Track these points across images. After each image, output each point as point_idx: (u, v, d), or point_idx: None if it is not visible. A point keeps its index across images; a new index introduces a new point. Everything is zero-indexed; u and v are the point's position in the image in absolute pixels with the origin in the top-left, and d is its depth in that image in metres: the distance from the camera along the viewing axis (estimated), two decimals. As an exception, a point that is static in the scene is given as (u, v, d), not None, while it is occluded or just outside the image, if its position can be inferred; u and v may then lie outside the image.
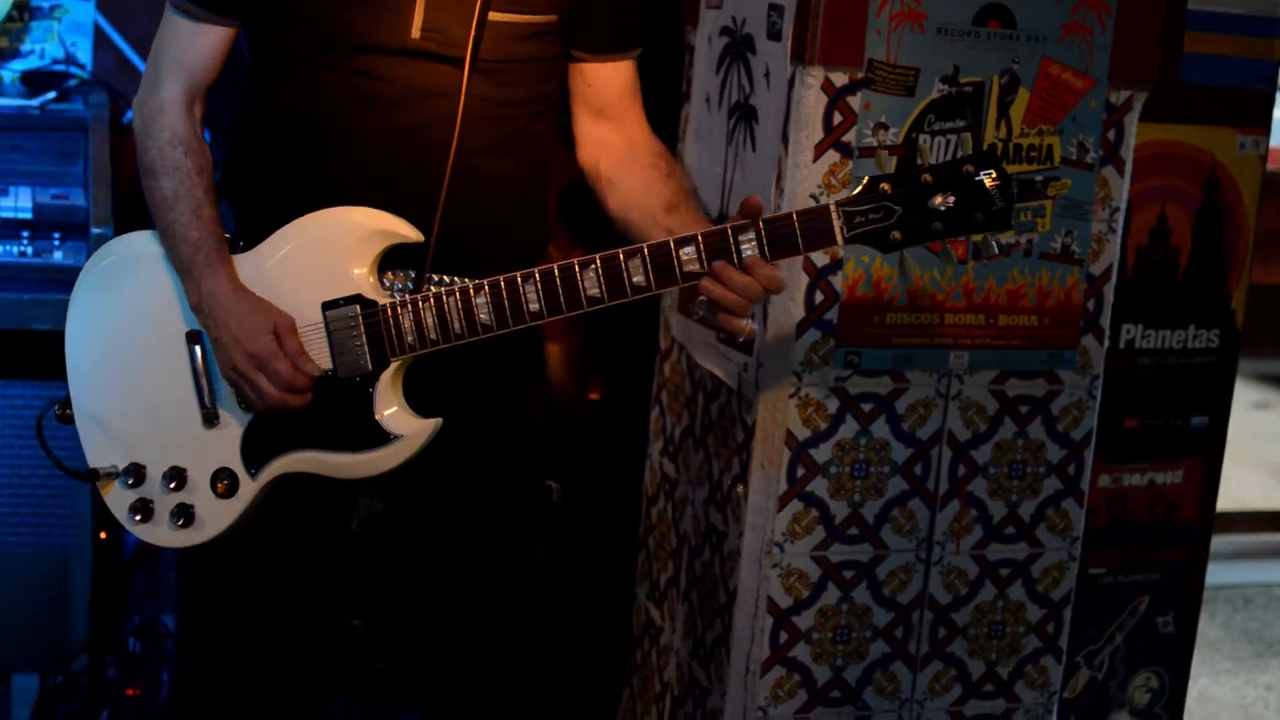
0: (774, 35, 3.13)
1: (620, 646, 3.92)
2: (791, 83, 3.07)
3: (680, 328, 3.59)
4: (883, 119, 3.07)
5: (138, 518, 2.67)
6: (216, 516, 2.65)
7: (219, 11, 2.63)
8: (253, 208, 2.72)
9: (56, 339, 2.73)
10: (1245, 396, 7.53)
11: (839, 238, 2.41)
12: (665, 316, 3.68)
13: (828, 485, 3.20)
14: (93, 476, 2.68)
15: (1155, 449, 3.53)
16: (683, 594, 3.57)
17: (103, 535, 3.84)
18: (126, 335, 2.68)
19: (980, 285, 3.18)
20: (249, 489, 2.63)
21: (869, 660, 3.31)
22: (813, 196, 3.06)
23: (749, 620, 3.25)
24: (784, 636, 3.24)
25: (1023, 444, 3.28)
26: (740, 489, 3.26)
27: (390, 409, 2.57)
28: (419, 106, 2.59)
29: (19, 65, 3.99)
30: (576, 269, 2.47)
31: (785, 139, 3.09)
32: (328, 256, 2.57)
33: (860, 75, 3.04)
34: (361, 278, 2.56)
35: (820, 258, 3.08)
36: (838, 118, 3.05)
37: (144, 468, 2.66)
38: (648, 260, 2.45)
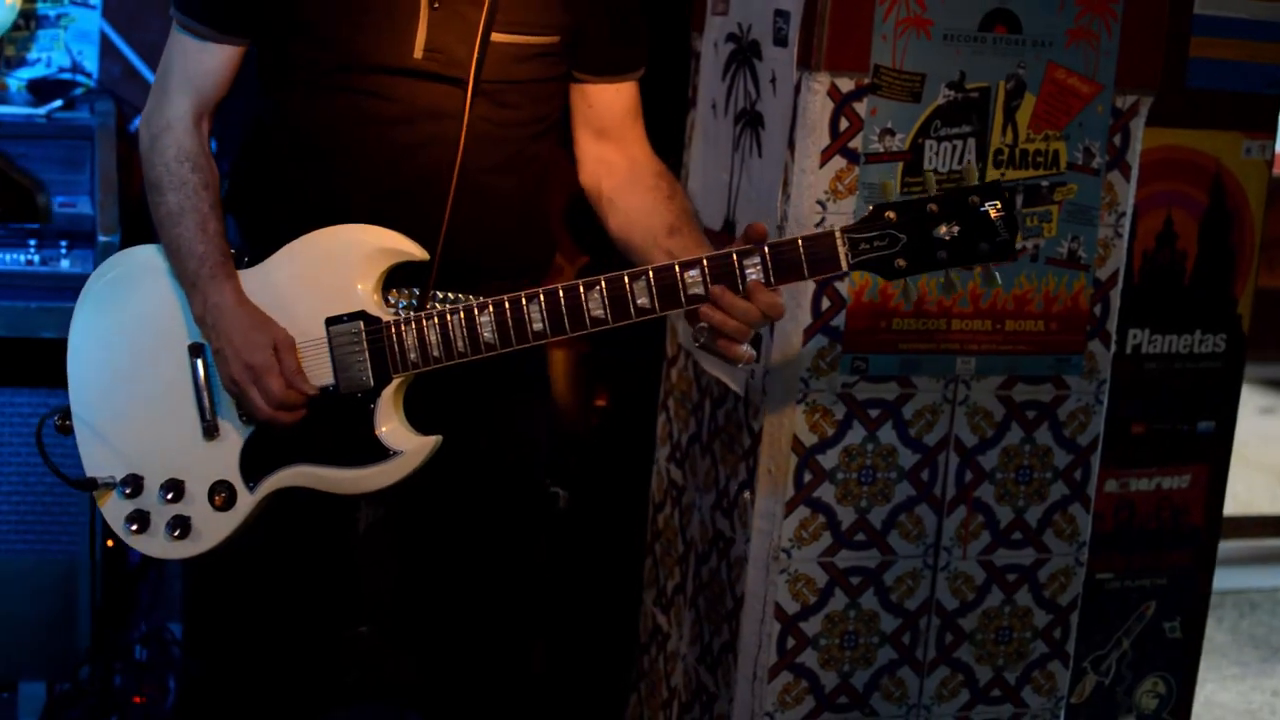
0: (780, 41, 3.13)
1: (627, 652, 3.92)
2: (798, 88, 3.07)
3: (687, 335, 3.59)
4: (889, 125, 3.07)
5: (134, 528, 2.66)
6: (213, 529, 2.64)
7: (225, 30, 2.63)
8: (258, 223, 2.72)
9: (63, 347, 2.72)
10: (1252, 401, 7.54)
11: (844, 264, 2.42)
12: (672, 324, 3.68)
13: (835, 491, 3.20)
14: (90, 485, 2.67)
15: (1162, 454, 3.53)
16: (690, 600, 3.57)
17: (109, 543, 3.84)
18: (129, 347, 2.68)
19: (987, 291, 3.18)
20: (247, 502, 2.63)
21: (876, 666, 3.31)
22: (819, 203, 3.06)
23: (756, 626, 3.25)
24: (791, 642, 3.24)
25: (1030, 449, 3.29)
26: (747, 495, 3.26)
27: (390, 425, 2.57)
28: (422, 126, 2.59)
29: (25, 73, 4.00)
30: (581, 290, 2.46)
31: (791, 145, 3.09)
32: (332, 273, 2.57)
33: (866, 81, 3.05)
34: (366, 294, 2.55)
35: (827, 263, 3.08)
36: (844, 123, 3.05)
37: (142, 478, 2.66)
38: (652, 283, 2.45)
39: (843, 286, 3.12)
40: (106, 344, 2.69)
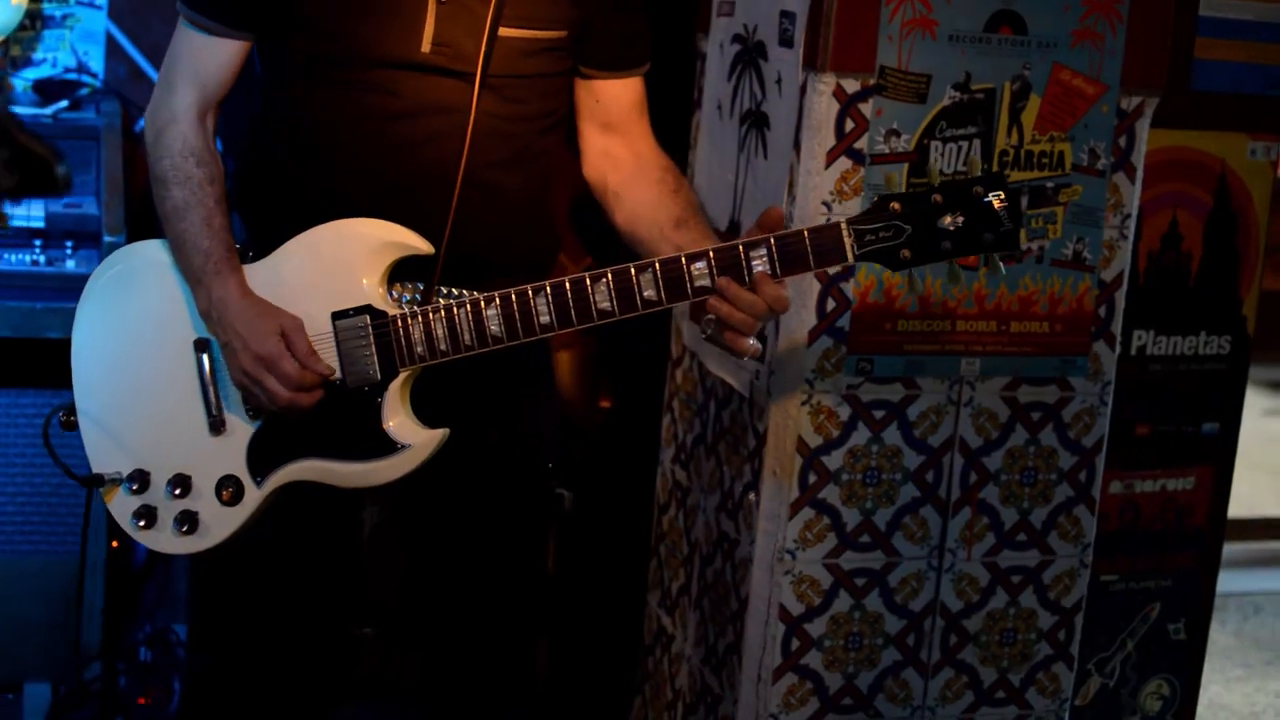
0: (786, 42, 3.13)
1: (632, 654, 3.92)
2: (803, 89, 3.08)
3: (692, 336, 3.60)
4: (894, 126, 3.08)
5: (141, 524, 2.67)
6: (220, 524, 2.64)
7: (232, 25, 2.63)
8: (263, 218, 2.72)
9: (69, 348, 2.72)
10: (1256, 404, 7.53)
11: (849, 255, 2.42)
12: (677, 324, 3.68)
13: (839, 492, 3.20)
14: (97, 482, 2.68)
15: (1167, 455, 3.53)
16: (694, 601, 3.57)
17: (114, 544, 3.84)
18: (134, 342, 2.68)
19: (992, 292, 3.18)
20: (254, 497, 2.63)
21: (881, 667, 3.31)
22: (824, 203, 3.06)
23: (761, 627, 3.25)
24: (796, 644, 3.24)
25: (1034, 450, 3.29)
26: (752, 496, 3.26)
27: (398, 419, 2.57)
28: (428, 121, 2.59)
29: (31, 74, 4.00)
30: (588, 282, 2.47)
31: (797, 146, 3.09)
32: (338, 267, 2.57)
33: (872, 82, 3.05)
34: (371, 288, 2.56)
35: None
36: (849, 124, 3.05)
37: (148, 474, 2.66)
38: (659, 275, 2.45)
39: (848, 288, 3.12)
40: (111, 339, 2.69)
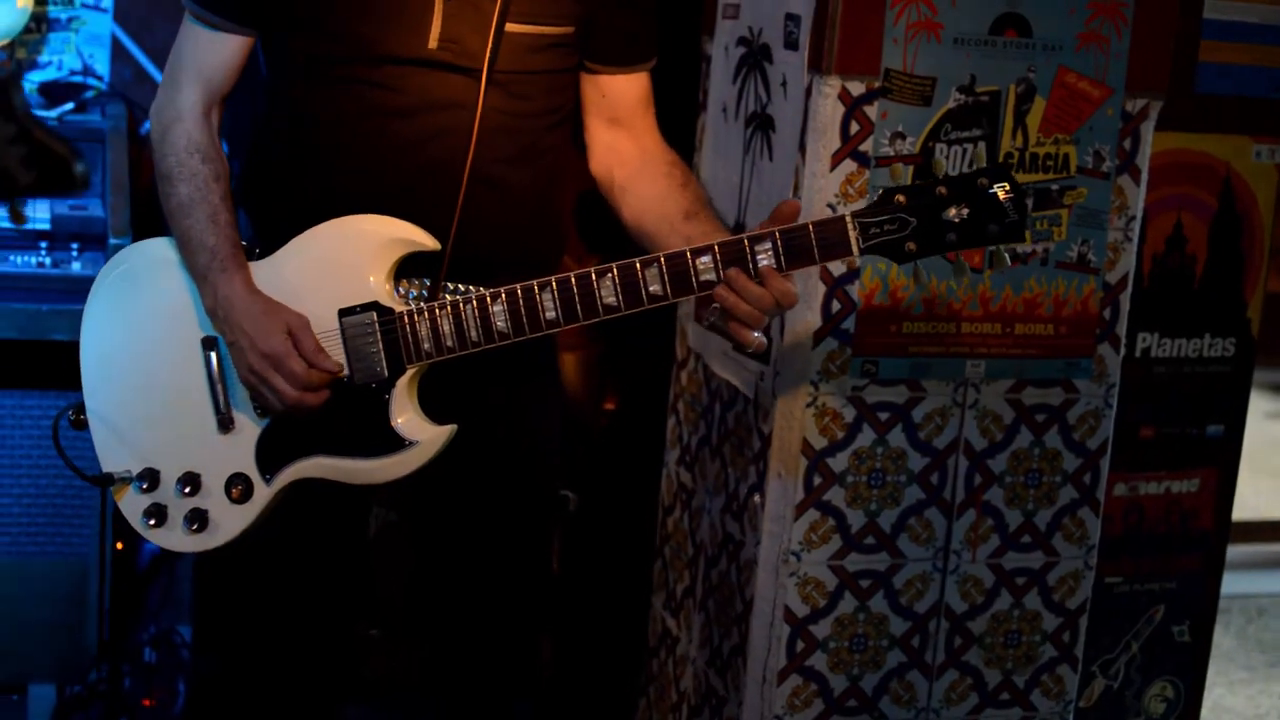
0: (791, 45, 3.14)
1: (636, 655, 3.92)
2: (809, 92, 3.08)
3: (697, 337, 3.60)
4: (899, 128, 3.08)
5: (151, 522, 2.67)
6: (230, 521, 2.65)
7: (238, 21, 2.64)
8: (269, 216, 2.73)
9: (75, 349, 2.73)
10: (1260, 407, 7.52)
11: (854, 248, 2.42)
12: (682, 326, 3.68)
13: (844, 494, 3.20)
14: (107, 481, 2.68)
15: (1171, 458, 3.54)
16: (699, 603, 3.57)
17: (119, 546, 3.84)
18: (142, 340, 2.69)
19: (997, 294, 3.18)
20: (263, 494, 2.63)
21: (885, 669, 3.31)
22: (830, 205, 3.06)
23: (766, 629, 3.25)
24: (801, 645, 3.24)
25: (1039, 453, 3.29)
26: (757, 498, 3.26)
27: (405, 415, 2.57)
28: (435, 116, 2.60)
29: (37, 76, 4.00)
30: (593, 278, 2.47)
31: (802, 148, 3.10)
32: (345, 264, 2.58)
33: (877, 84, 3.05)
34: (378, 285, 2.56)
35: (837, 267, 3.09)
36: (855, 127, 3.06)
37: (158, 473, 2.67)
38: (664, 270, 2.45)
39: (853, 289, 3.12)
40: (119, 338, 2.70)
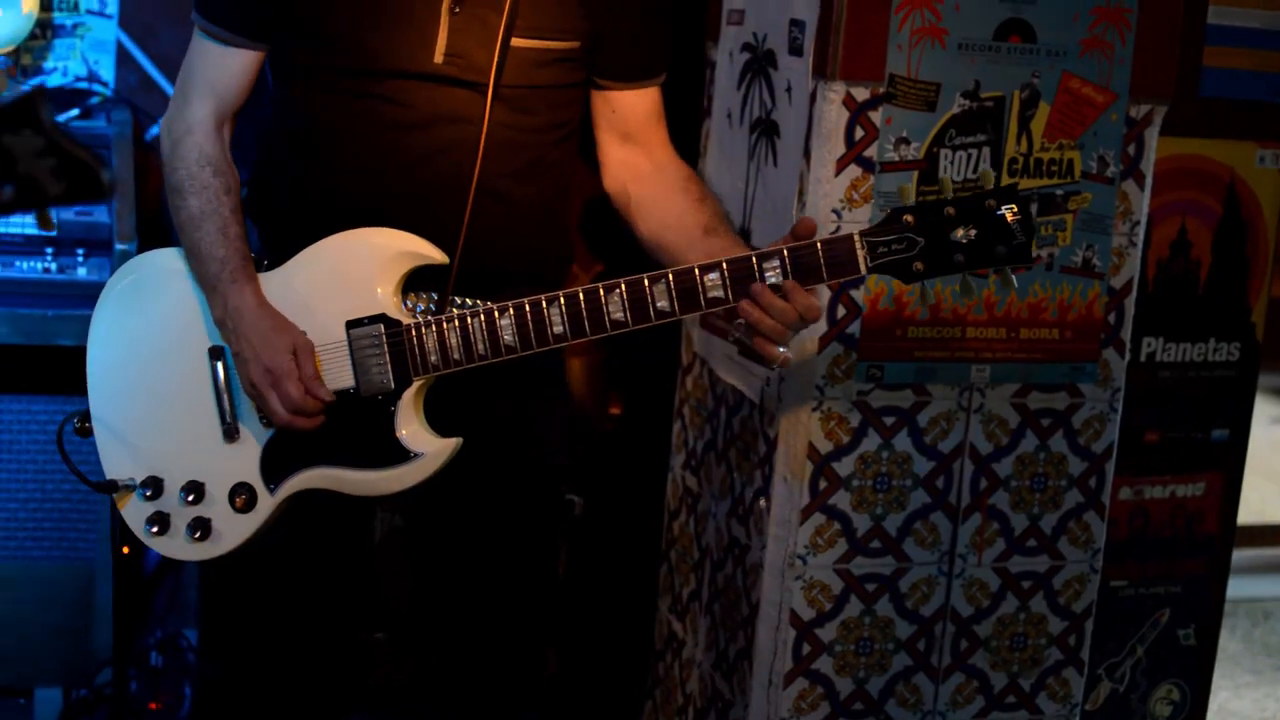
0: (796, 51, 3.14)
1: (642, 659, 3.93)
2: (813, 98, 3.08)
3: (702, 342, 3.60)
4: (904, 134, 3.08)
5: (154, 530, 2.67)
6: (234, 530, 2.66)
7: (247, 35, 2.64)
8: (277, 228, 2.73)
9: (80, 355, 2.74)
10: (1265, 411, 7.52)
11: (862, 267, 2.43)
12: (687, 331, 3.69)
13: (850, 498, 3.21)
14: (111, 488, 2.69)
15: (1176, 462, 3.54)
16: (705, 607, 3.58)
17: (125, 550, 3.85)
18: (149, 349, 2.69)
19: (1002, 299, 3.19)
20: (267, 504, 2.64)
21: (891, 673, 3.31)
22: (835, 211, 3.07)
23: (771, 633, 3.26)
24: (806, 649, 3.25)
25: (1044, 457, 3.29)
26: (763, 502, 3.26)
27: (411, 427, 2.58)
28: (441, 131, 2.60)
29: (42, 82, 4.01)
30: (601, 293, 2.47)
31: (807, 154, 3.10)
32: (352, 276, 2.58)
33: (882, 90, 3.06)
34: (386, 298, 2.56)
35: (842, 270, 3.09)
36: (859, 133, 3.06)
37: (162, 480, 2.67)
38: (672, 286, 2.46)
39: (858, 294, 3.13)
40: (126, 346, 2.70)
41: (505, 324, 2.50)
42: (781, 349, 2.48)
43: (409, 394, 2.56)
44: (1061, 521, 3.33)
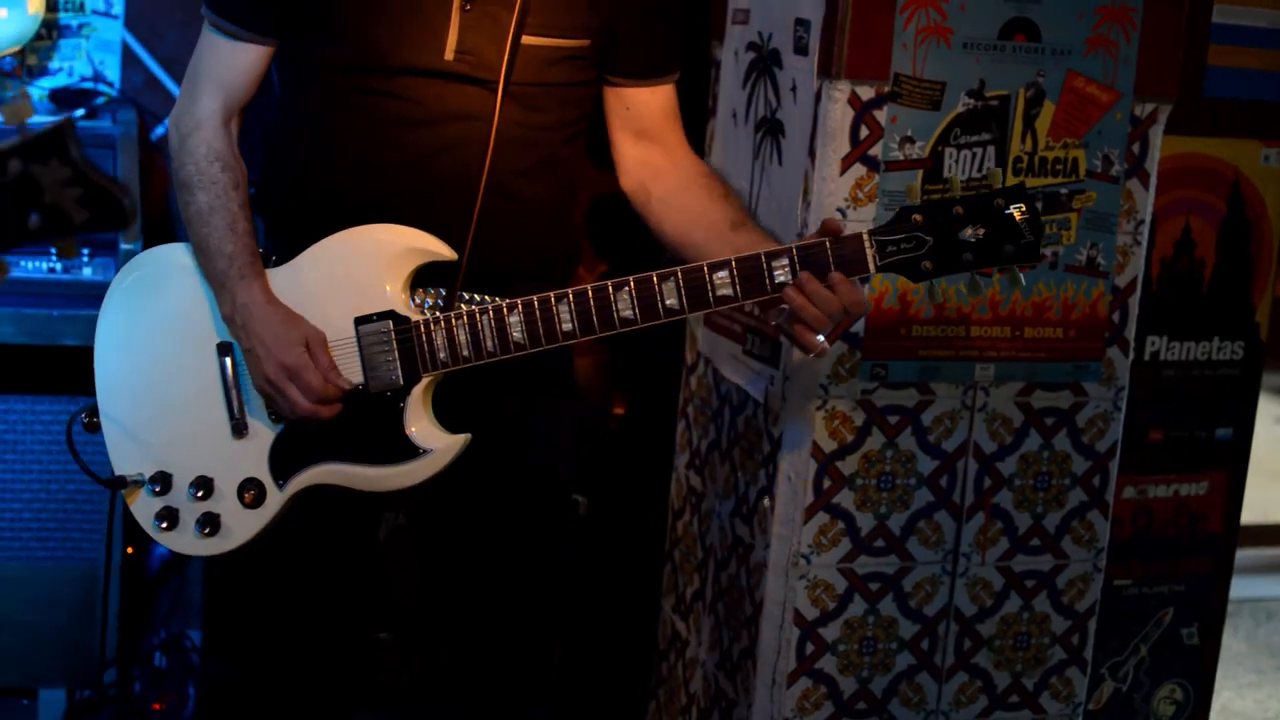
0: (801, 50, 3.15)
1: (646, 659, 3.93)
2: (818, 97, 3.09)
3: (706, 341, 3.61)
4: (909, 133, 3.09)
5: (163, 525, 2.68)
6: (243, 526, 2.66)
7: (257, 31, 2.64)
8: (285, 224, 2.73)
9: (85, 355, 2.74)
10: (1269, 410, 7.52)
11: (871, 266, 2.44)
12: (691, 331, 3.69)
13: (854, 497, 3.21)
14: (120, 484, 2.69)
15: (1180, 461, 3.54)
16: (709, 606, 3.58)
17: (129, 550, 3.85)
18: (157, 345, 2.69)
19: (1006, 298, 3.19)
20: (276, 500, 2.64)
21: (895, 672, 3.31)
22: (839, 210, 3.07)
23: (775, 632, 3.26)
24: (810, 648, 3.25)
25: (1048, 456, 3.29)
26: (766, 501, 3.26)
27: (420, 423, 2.58)
28: (451, 127, 2.60)
29: (48, 83, 4.01)
30: (610, 290, 2.48)
31: (812, 153, 3.11)
32: (361, 272, 2.58)
33: (887, 89, 3.06)
34: (394, 294, 2.57)
35: (846, 270, 3.10)
36: (864, 131, 3.07)
37: (171, 476, 2.67)
38: (681, 284, 2.46)
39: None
40: (134, 342, 2.70)
41: (514, 321, 2.51)
42: (820, 338, 2.48)
43: (418, 390, 2.56)
44: (1065, 520, 3.33)
